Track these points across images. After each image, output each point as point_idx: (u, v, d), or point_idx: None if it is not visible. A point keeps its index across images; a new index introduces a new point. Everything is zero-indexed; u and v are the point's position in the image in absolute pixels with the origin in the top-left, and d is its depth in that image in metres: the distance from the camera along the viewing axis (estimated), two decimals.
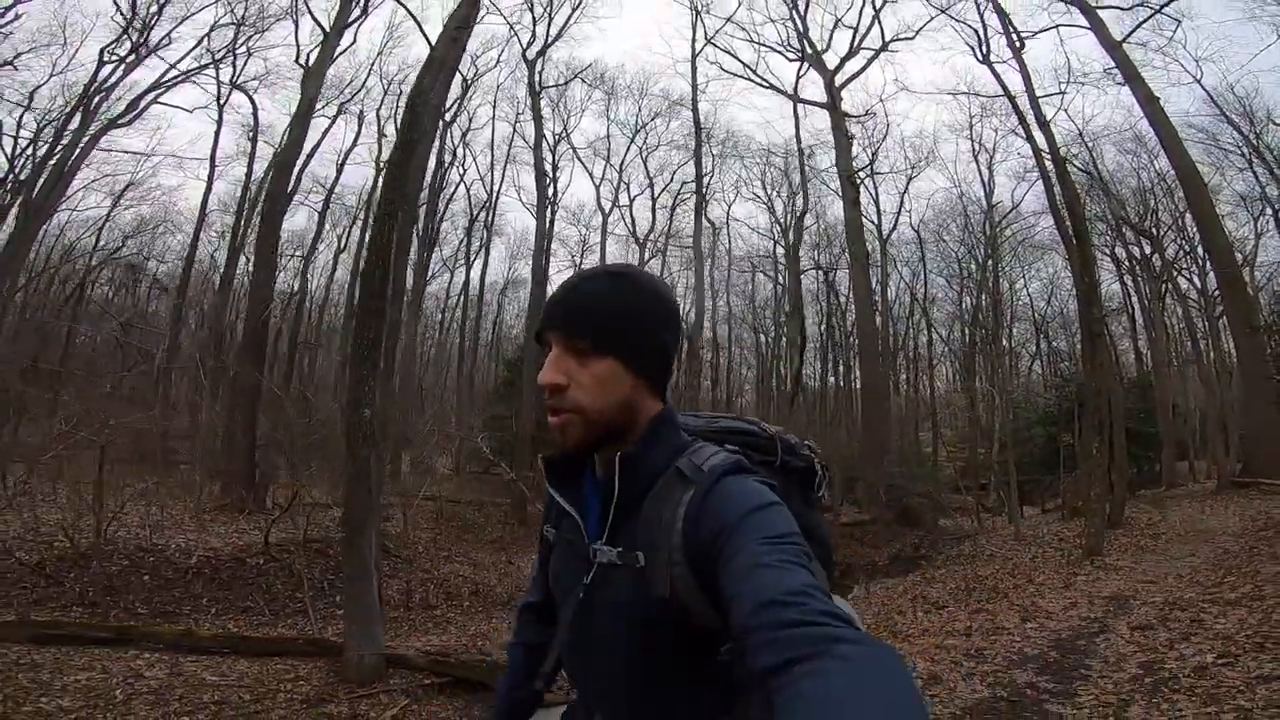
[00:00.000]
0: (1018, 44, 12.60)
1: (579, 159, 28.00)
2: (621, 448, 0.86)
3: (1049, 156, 11.42)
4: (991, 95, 18.38)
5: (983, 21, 15.57)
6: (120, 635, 6.05)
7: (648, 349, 0.87)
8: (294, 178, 14.57)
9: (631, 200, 29.67)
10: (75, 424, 7.72)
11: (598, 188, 28.64)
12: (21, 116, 20.43)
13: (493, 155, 27.05)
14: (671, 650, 0.80)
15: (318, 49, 16.31)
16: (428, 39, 7.59)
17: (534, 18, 21.88)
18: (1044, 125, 10.37)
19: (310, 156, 17.69)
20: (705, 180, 23.14)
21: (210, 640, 6.21)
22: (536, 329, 0.89)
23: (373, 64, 23.26)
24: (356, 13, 17.16)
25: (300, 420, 9.72)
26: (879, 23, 22.49)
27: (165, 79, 21.24)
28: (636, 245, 28.72)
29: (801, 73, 22.43)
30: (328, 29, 16.19)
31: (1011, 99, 12.72)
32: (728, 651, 0.65)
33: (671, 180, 29.25)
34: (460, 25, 8.53)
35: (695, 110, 22.05)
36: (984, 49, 15.21)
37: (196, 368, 11.05)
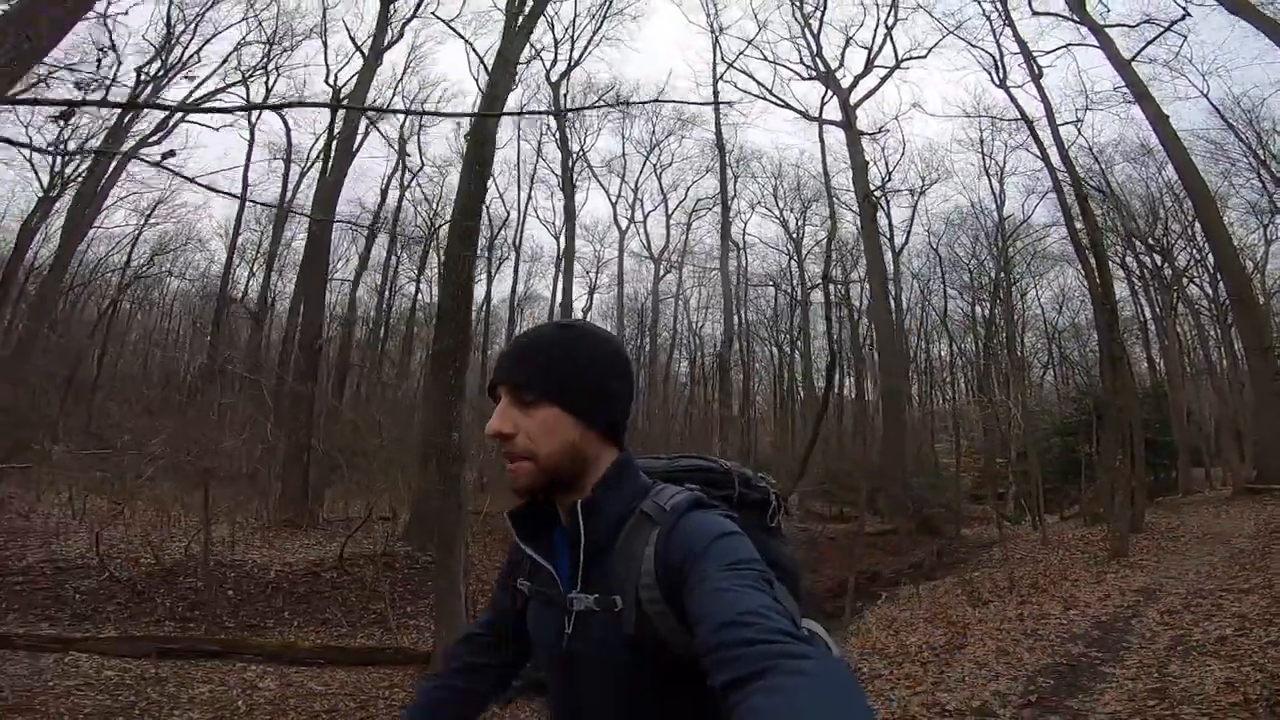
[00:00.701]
0: (1037, 71, 12.83)
1: (595, 177, 28.40)
2: (578, 495, 0.88)
3: (1065, 177, 11.65)
4: (1010, 119, 18.64)
5: (999, 45, 15.84)
6: (227, 648, 6.51)
7: (592, 396, 0.89)
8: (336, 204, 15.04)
9: (646, 216, 30.18)
10: (169, 445, 8.17)
11: (614, 205, 29.13)
12: (59, 135, 20.98)
13: (519, 175, 27.03)
14: (659, 687, 0.81)
15: (355, 74, 16.78)
16: (489, 74, 8.21)
17: (555, 39, 22.36)
18: (1065, 156, 10.67)
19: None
20: (728, 202, 23.46)
21: (309, 652, 6.66)
22: (489, 383, 0.92)
23: (397, 84, 23.81)
24: (391, 36, 17.67)
25: (373, 441, 10.18)
26: (891, 40, 22.85)
27: (193, 99, 21.83)
28: (652, 261, 29.19)
29: (826, 99, 22.56)
30: (366, 53, 16.62)
31: (1030, 125, 12.90)
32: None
33: (685, 196, 29.81)
34: (514, 60, 9.15)
35: (719, 134, 22.38)
36: (1000, 73, 15.46)
37: (259, 388, 11.54)
